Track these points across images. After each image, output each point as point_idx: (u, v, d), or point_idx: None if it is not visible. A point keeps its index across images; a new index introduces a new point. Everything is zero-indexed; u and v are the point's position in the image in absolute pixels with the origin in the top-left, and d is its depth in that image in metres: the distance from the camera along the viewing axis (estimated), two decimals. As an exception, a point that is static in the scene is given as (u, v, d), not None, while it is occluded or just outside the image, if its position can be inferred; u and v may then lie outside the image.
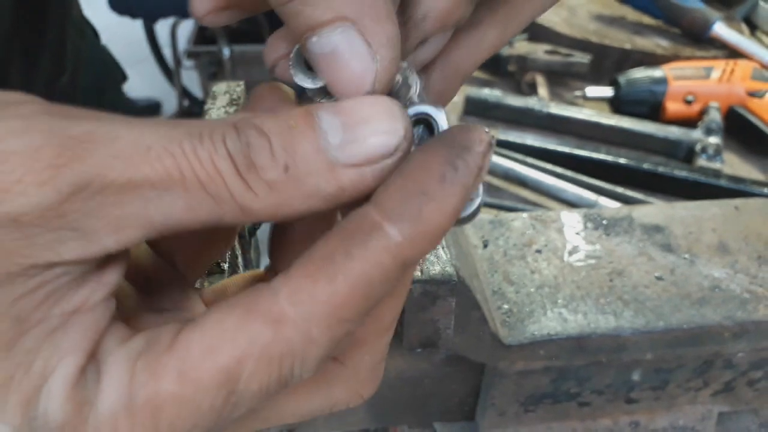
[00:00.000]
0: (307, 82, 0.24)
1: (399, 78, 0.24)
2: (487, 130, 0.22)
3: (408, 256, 0.21)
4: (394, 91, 0.24)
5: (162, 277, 0.28)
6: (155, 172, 0.20)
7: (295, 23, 0.22)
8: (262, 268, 0.31)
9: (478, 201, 0.24)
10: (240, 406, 0.22)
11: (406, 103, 0.24)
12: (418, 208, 0.21)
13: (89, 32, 0.85)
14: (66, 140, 0.19)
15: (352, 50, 0.22)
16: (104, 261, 0.21)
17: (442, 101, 0.28)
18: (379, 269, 0.21)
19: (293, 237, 0.28)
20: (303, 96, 0.25)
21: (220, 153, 0.20)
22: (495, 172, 0.79)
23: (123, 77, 0.96)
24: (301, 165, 0.21)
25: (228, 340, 0.21)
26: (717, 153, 0.83)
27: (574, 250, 0.56)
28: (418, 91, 0.25)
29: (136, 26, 2.26)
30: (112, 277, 0.22)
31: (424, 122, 0.24)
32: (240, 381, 0.21)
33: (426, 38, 0.25)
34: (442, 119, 0.24)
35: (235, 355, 0.21)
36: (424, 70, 0.27)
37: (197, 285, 0.42)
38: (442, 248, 0.45)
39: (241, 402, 0.22)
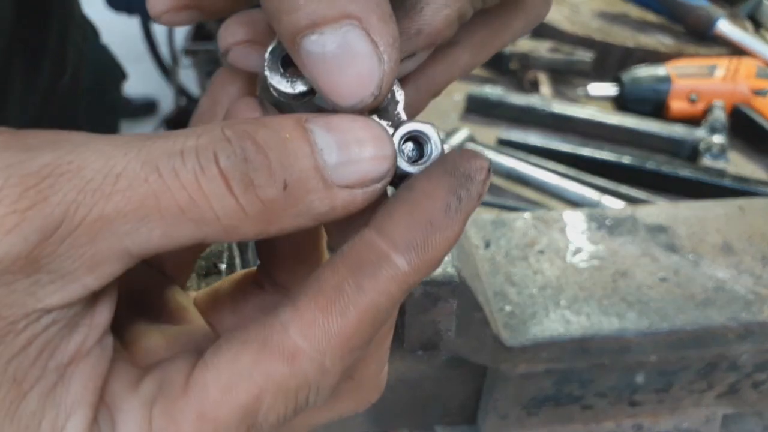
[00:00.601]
0: (284, 86, 0.23)
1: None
2: (486, 157, 0.23)
3: (412, 283, 0.22)
4: (383, 106, 0.24)
5: (153, 285, 0.28)
6: (126, 202, 0.19)
7: (291, 20, 0.21)
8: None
9: None
10: None
11: (395, 117, 0.24)
12: (424, 238, 0.21)
13: (90, 32, 0.85)
14: (27, 178, 0.18)
15: (358, 50, 0.21)
16: (91, 301, 0.21)
17: (411, 114, 0.28)
18: (387, 298, 0.21)
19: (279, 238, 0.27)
20: (269, 96, 0.24)
21: (209, 173, 0.19)
22: (497, 171, 0.78)
23: (123, 76, 0.95)
24: (300, 183, 0.20)
25: (245, 378, 0.21)
26: (721, 152, 0.82)
27: (577, 251, 0.55)
28: (403, 105, 0.24)
29: (133, 24, 2.25)
30: (103, 317, 0.21)
31: (414, 139, 0.24)
32: (259, 415, 0.21)
33: (415, 52, 0.24)
34: (436, 139, 0.23)
35: (253, 392, 0.21)
36: (401, 82, 0.26)
37: (191, 284, 0.41)
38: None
39: None
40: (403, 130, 0.23)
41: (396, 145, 0.23)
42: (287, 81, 0.23)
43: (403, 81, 0.26)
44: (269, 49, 0.23)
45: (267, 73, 0.23)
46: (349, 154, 0.21)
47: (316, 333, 0.21)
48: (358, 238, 0.22)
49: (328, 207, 0.21)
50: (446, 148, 0.24)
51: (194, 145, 0.20)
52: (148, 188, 0.19)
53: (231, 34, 0.26)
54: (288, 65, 0.23)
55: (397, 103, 0.24)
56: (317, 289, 0.22)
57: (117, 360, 0.23)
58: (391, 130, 0.23)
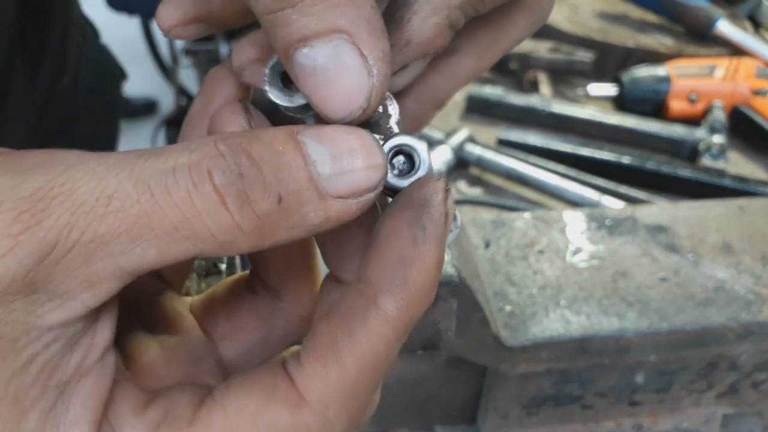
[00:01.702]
0: (283, 100, 0.24)
1: (380, 105, 0.24)
2: (438, 177, 0.23)
3: (407, 322, 0.22)
4: (374, 120, 0.24)
5: (150, 292, 0.28)
6: (119, 223, 0.19)
7: (284, 33, 0.21)
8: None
9: (456, 231, 0.25)
10: None
11: (387, 131, 0.24)
12: (402, 275, 0.22)
13: (90, 32, 0.85)
14: (20, 203, 0.18)
15: (347, 64, 0.21)
16: (92, 319, 0.21)
17: (415, 127, 0.27)
18: (384, 342, 0.22)
19: None
20: (274, 111, 0.25)
21: (203, 190, 0.19)
22: (497, 171, 0.78)
23: (123, 76, 0.95)
24: (295, 195, 0.20)
25: (249, 422, 0.21)
26: (721, 152, 0.82)
27: (577, 251, 0.55)
28: (396, 119, 0.24)
29: (133, 24, 2.25)
30: (105, 335, 0.22)
31: (405, 153, 0.24)
32: None
33: (407, 64, 0.25)
34: (424, 152, 0.24)
35: None
36: (399, 95, 0.26)
37: (191, 284, 0.41)
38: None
39: None
40: (392, 142, 0.24)
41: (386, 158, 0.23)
42: (285, 95, 0.24)
43: (403, 93, 0.26)
44: (269, 64, 0.24)
45: (267, 87, 0.24)
46: (342, 164, 0.21)
47: (316, 384, 0.21)
48: (347, 290, 0.23)
49: (323, 218, 0.21)
50: (433, 162, 0.24)
51: (187, 162, 0.20)
52: (140, 208, 0.19)
53: (244, 53, 0.26)
54: (288, 80, 0.23)
55: (389, 116, 0.24)
56: (314, 341, 0.22)
57: (123, 381, 0.23)
58: (382, 143, 0.24)
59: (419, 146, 0.24)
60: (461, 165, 0.80)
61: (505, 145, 0.82)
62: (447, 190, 0.23)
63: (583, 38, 1.01)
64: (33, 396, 0.20)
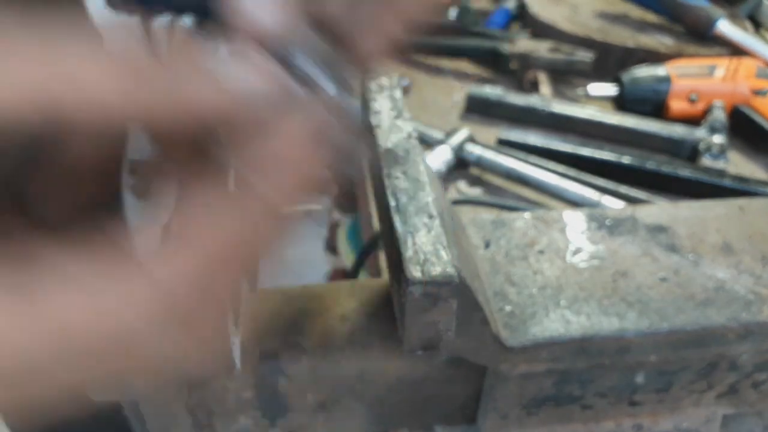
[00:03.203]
0: None
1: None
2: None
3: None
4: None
5: None
6: None
7: None
8: None
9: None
10: None
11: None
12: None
13: (88, 30, 0.85)
14: None
15: None
16: None
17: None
18: None
19: None
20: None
21: None
22: (497, 171, 0.78)
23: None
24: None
25: None
26: (721, 152, 0.82)
27: (577, 251, 0.55)
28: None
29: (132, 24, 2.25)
30: None
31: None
32: None
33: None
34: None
35: None
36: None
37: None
38: (443, 249, 0.44)
39: None
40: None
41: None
42: None
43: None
44: None
45: None
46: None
47: None
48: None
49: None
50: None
51: None
52: None
53: None
54: None
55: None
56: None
57: None
58: None
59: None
60: (461, 165, 0.80)
61: (505, 145, 0.82)
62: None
63: (583, 38, 1.01)
64: None
